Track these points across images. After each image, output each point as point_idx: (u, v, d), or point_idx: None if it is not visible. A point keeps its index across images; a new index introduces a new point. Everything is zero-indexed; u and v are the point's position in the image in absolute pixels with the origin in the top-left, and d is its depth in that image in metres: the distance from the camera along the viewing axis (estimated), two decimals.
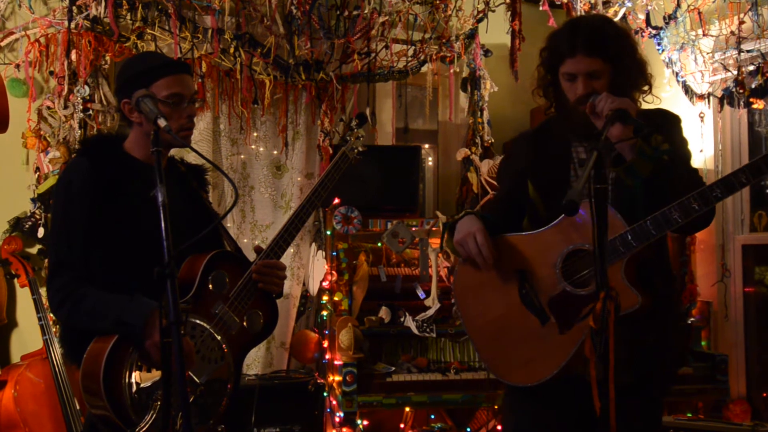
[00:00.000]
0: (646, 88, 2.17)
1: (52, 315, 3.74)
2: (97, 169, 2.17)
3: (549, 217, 2.17)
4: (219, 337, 2.19)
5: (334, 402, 3.73)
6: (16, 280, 3.80)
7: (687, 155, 2.16)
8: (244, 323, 2.27)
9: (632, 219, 2.00)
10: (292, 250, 4.32)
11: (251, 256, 2.42)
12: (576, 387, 2.00)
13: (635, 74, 2.13)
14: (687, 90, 4.31)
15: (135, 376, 1.99)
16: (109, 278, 2.12)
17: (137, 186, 1.80)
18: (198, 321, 2.16)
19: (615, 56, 2.07)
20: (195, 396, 2.10)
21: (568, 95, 2.14)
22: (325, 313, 4.09)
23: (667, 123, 2.16)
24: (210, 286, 2.21)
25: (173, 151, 2.43)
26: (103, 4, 3.82)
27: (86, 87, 3.90)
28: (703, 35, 4.17)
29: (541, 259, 2.15)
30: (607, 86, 2.06)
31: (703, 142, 4.28)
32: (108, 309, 2.03)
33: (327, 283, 4.03)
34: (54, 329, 3.69)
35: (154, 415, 1.98)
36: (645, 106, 2.22)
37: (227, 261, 2.29)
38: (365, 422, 3.73)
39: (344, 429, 3.54)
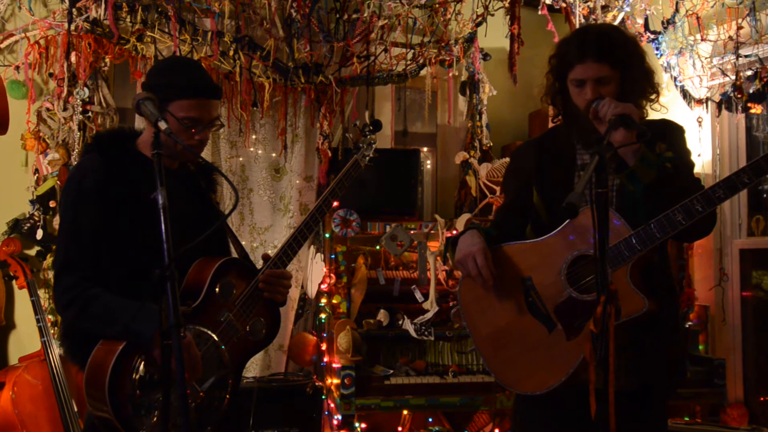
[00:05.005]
0: (653, 96, 2.18)
1: (50, 317, 3.74)
2: (108, 166, 2.15)
3: (551, 223, 2.18)
4: (223, 346, 2.19)
5: (332, 405, 3.73)
6: (14, 281, 3.80)
7: (690, 165, 2.17)
8: (247, 329, 2.28)
9: (634, 225, 2.01)
10: None
11: (250, 256, 2.42)
12: (585, 394, 1.99)
13: (643, 82, 2.14)
14: (685, 95, 4.32)
15: (140, 384, 1.98)
16: (118, 278, 2.10)
17: (147, 185, 1.78)
18: (203, 329, 2.16)
19: (624, 63, 2.08)
20: (195, 403, 2.09)
21: (576, 101, 2.15)
22: (323, 315, 4.09)
23: (671, 133, 2.17)
24: (217, 293, 2.21)
25: None
26: (103, 6, 3.82)
27: (86, 89, 3.90)
28: (702, 40, 4.18)
29: (546, 267, 2.15)
30: (615, 93, 2.07)
31: (701, 146, 4.29)
32: (118, 315, 2.01)
33: (325, 285, 4.04)
34: (52, 331, 3.68)
35: (155, 419, 1.98)
36: (649, 113, 2.23)
37: (235, 268, 2.29)
38: (363, 425, 3.73)
39: None
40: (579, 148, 2.23)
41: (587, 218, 1.93)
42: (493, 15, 4.43)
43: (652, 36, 4.33)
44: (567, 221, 2.12)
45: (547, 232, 2.18)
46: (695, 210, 1.93)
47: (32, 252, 4.01)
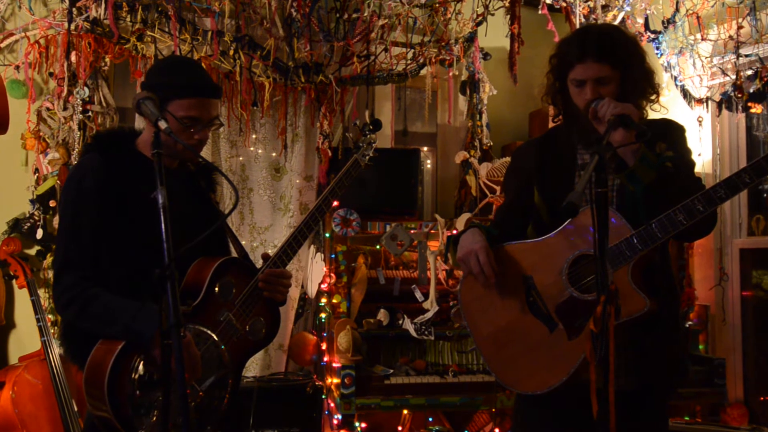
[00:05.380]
0: (653, 96, 2.18)
1: (50, 316, 3.74)
2: (108, 166, 2.15)
3: (552, 223, 2.17)
4: (222, 345, 2.19)
5: (333, 404, 3.73)
6: (14, 281, 3.80)
7: (691, 164, 2.17)
8: (247, 329, 2.28)
9: (635, 224, 2.01)
10: None
11: (251, 256, 2.42)
12: (586, 393, 1.99)
13: (643, 82, 2.13)
14: (685, 94, 4.33)
15: (139, 383, 1.98)
16: (118, 278, 2.10)
17: (147, 185, 1.78)
18: (203, 329, 2.16)
19: (624, 63, 2.08)
20: (195, 403, 2.09)
21: (576, 101, 2.14)
22: (323, 315, 4.09)
23: (671, 132, 2.16)
24: (217, 293, 2.21)
25: None
26: (103, 5, 3.82)
27: (86, 88, 3.90)
28: (702, 39, 4.18)
29: (547, 266, 2.15)
30: (615, 93, 2.06)
31: (702, 146, 4.30)
32: (118, 315, 2.01)
33: (325, 285, 4.04)
34: (52, 331, 3.68)
35: (154, 419, 1.98)
36: (650, 113, 2.23)
37: (234, 268, 2.29)
38: (363, 425, 3.73)
39: (342, 431, 3.54)
40: (580, 148, 2.22)
41: (588, 218, 1.93)
42: (493, 14, 4.43)
43: (652, 35, 4.34)
44: (568, 221, 2.12)
45: (548, 231, 2.18)
46: (696, 210, 1.92)
47: (32, 251, 4.00)
